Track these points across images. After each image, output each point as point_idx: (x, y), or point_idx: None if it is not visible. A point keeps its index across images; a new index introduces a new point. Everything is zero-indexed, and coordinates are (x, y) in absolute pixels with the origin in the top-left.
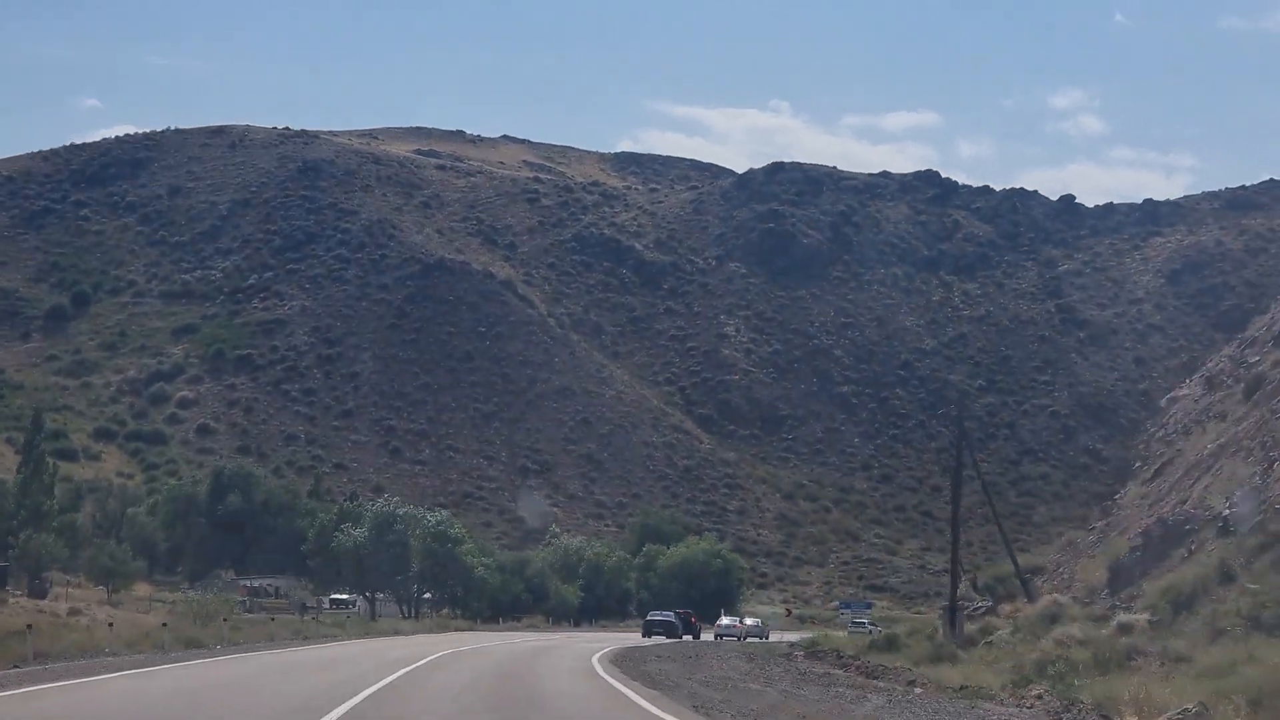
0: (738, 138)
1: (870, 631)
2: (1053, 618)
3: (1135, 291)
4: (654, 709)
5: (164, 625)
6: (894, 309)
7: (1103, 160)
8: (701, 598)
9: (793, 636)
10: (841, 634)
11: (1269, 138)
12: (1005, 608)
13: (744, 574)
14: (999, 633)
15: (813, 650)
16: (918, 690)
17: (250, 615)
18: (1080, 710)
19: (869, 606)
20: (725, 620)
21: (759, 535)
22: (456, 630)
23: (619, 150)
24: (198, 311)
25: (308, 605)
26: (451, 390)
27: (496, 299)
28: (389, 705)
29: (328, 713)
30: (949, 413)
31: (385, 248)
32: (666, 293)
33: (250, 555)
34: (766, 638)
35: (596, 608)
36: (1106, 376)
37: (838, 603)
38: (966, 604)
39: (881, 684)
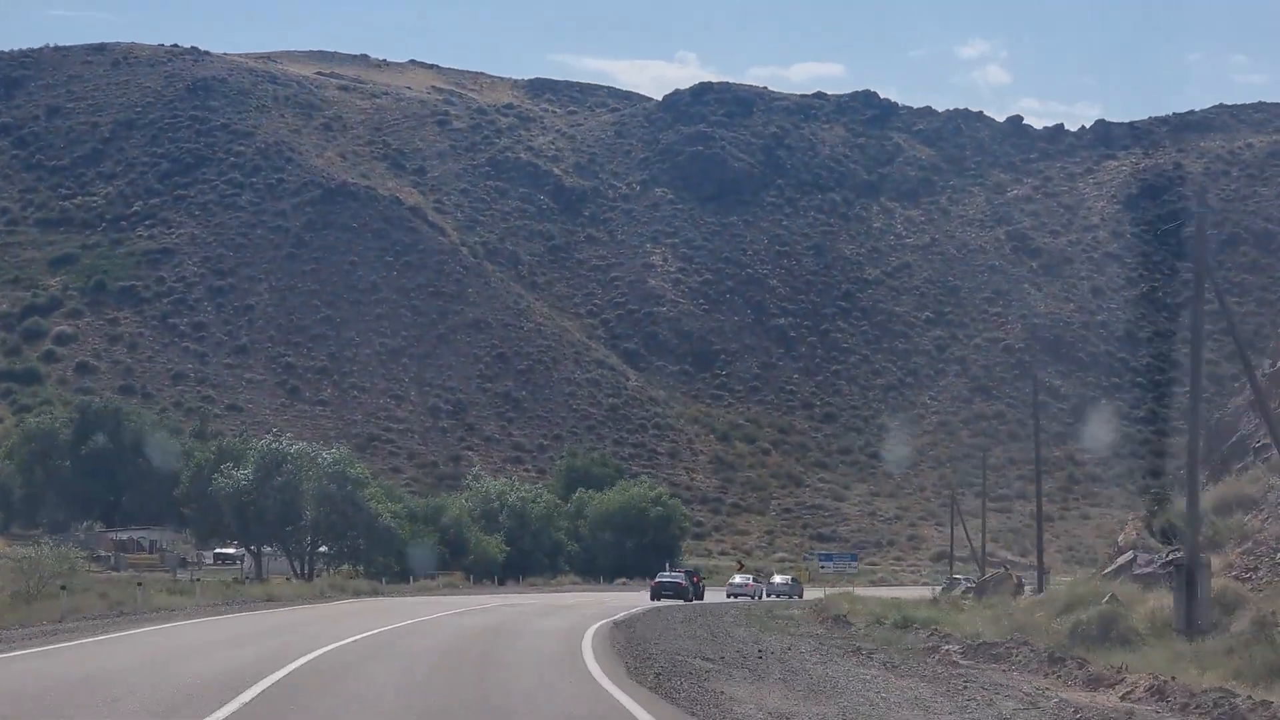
0: (646, 90)
1: (966, 588)
2: None
3: (1090, 218)
4: None
5: None
6: (833, 236)
7: (1010, 111)
8: (637, 550)
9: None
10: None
11: (1173, 87)
12: (1209, 558)
13: (686, 523)
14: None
15: (972, 642)
16: None
17: (116, 574)
18: None
19: (854, 558)
20: (738, 579)
21: (692, 480)
22: (354, 596)
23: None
24: (77, 240)
25: (186, 561)
26: (355, 324)
27: (404, 226)
28: None
29: None
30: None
31: (282, 171)
32: (587, 220)
33: (123, 504)
34: (800, 596)
35: (522, 562)
36: (1062, 308)
37: (817, 555)
38: (1147, 555)
39: None
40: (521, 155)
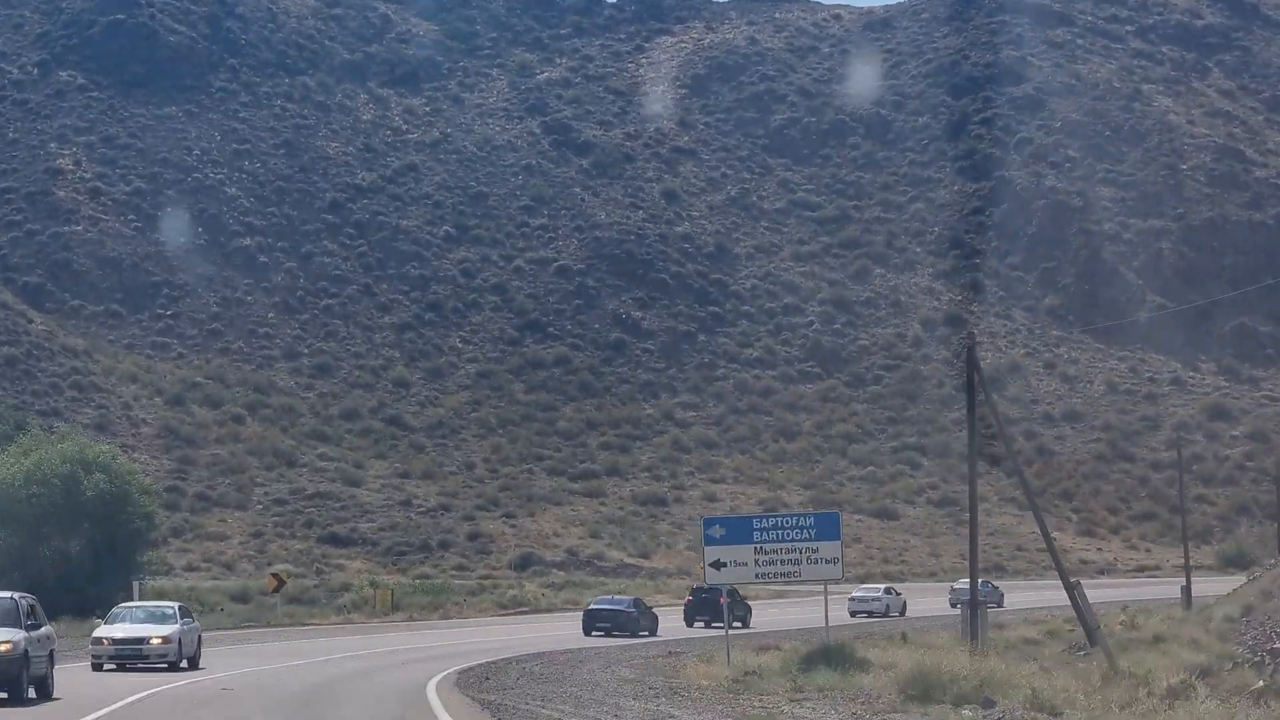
0: None
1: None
2: None
3: (650, 105)
4: None
5: None
6: (309, 131)
7: None
8: (62, 558)
9: None
10: None
11: None
12: None
13: (151, 506)
14: None
15: None
16: None
17: None
18: None
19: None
20: (859, 592)
21: (134, 459)
22: None
23: None
24: None
25: None
26: None
27: None
28: None
29: None
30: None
31: None
32: None
33: None
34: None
35: None
36: (631, 216)
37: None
38: None
39: None
40: None
